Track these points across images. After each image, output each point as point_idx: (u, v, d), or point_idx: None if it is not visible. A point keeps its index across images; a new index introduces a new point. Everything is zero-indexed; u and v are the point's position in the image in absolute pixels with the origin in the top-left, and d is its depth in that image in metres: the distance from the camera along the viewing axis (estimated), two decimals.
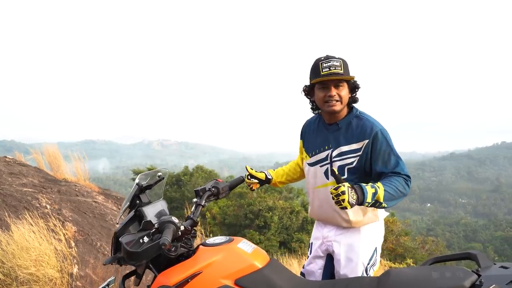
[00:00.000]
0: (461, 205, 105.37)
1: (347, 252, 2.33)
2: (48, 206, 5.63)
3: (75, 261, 4.76)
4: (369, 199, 1.96)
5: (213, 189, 2.32)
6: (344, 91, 2.25)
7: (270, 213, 21.90)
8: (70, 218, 5.79)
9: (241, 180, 2.59)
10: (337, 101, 2.24)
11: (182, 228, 1.77)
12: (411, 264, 8.40)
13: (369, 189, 1.98)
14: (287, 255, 7.51)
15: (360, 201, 1.94)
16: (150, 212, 2.01)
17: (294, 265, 6.32)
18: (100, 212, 6.62)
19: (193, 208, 2.13)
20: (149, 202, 2.10)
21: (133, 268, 1.98)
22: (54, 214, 5.42)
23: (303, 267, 2.58)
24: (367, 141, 2.22)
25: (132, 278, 2.04)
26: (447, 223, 67.55)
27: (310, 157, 2.46)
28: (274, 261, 1.95)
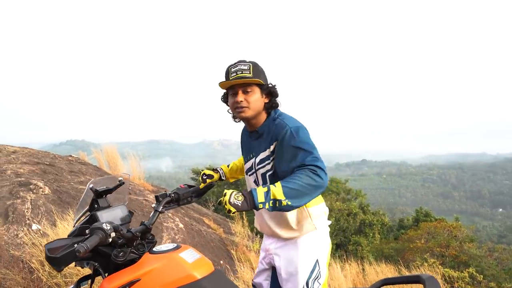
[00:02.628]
0: None
1: (287, 266, 2.24)
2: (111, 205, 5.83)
3: None
4: (261, 198, 1.78)
5: (172, 195, 2.28)
6: (254, 97, 2.11)
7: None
8: None
9: (204, 190, 2.49)
10: (244, 107, 2.11)
11: (112, 234, 1.70)
12: (474, 273, 7.87)
13: (259, 189, 1.81)
14: (344, 257, 7.27)
15: (251, 203, 1.77)
16: (105, 216, 1.96)
17: (347, 269, 6.11)
18: (149, 210, 6.77)
19: (151, 214, 2.14)
20: (108, 207, 2.06)
21: (89, 271, 1.99)
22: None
23: (253, 279, 2.51)
24: (276, 142, 2.10)
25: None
26: None
27: (244, 165, 2.41)
28: (217, 273, 1.87)
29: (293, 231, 2.22)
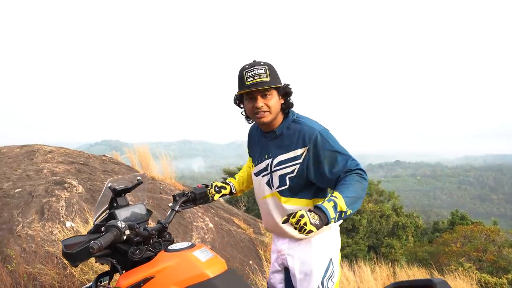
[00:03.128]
0: None
1: (302, 266, 2.23)
2: (131, 203, 5.94)
3: None
4: (332, 214, 1.77)
5: (189, 194, 2.34)
6: (273, 100, 2.08)
7: (359, 216, 21.33)
8: None
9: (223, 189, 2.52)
10: (265, 111, 2.08)
11: (127, 232, 1.74)
12: None
13: (326, 204, 1.79)
14: (375, 260, 7.15)
15: (325, 220, 1.75)
16: (123, 214, 2.02)
17: (377, 271, 6.00)
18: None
19: (168, 212, 2.21)
20: (127, 205, 2.11)
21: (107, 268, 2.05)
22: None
23: (267, 281, 2.50)
24: (307, 147, 2.06)
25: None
26: None
27: (255, 166, 2.33)
28: (230, 272, 1.88)
29: None
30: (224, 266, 1.87)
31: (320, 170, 2.03)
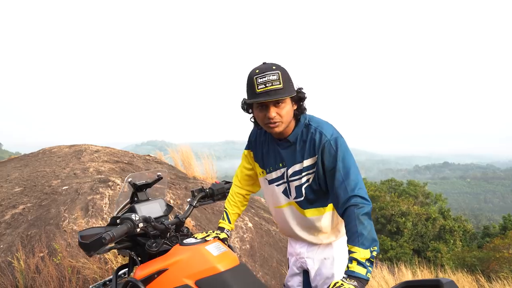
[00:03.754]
0: None
1: (323, 270, 2.18)
2: (172, 201, 6.05)
3: None
4: (362, 271, 1.66)
5: (207, 190, 2.37)
6: (286, 109, 1.90)
7: (403, 218, 20.81)
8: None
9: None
10: (278, 122, 1.91)
11: (141, 225, 1.79)
12: None
13: (353, 267, 1.68)
14: (420, 264, 6.94)
15: (363, 281, 1.65)
16: (143, 209, 2.06)
17: (419, 276, 5.83)
18: (219, 209, 6.91)
19: (186, 208, 2.24)
20: (147, 200, 2.16)
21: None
22: (175, 208, 5.82)
23: (284, 285, 2.43)
24: (316, 156, 1.94)
25: None
26: None
27: (266, 174, 2.19)
28: (242, 266, 1.88)
29: (329, 237, 2.16)
30: (236, 261, 1.89)
31: (329, 182, 1.92)
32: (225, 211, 2.32)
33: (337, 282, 1.62)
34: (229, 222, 2.27)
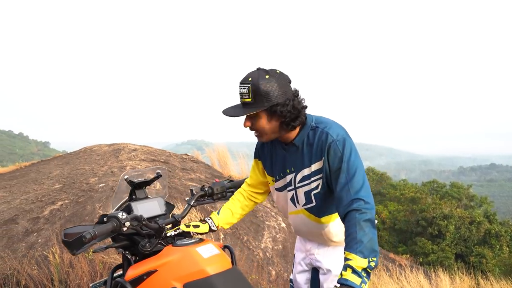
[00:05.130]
0: None
1: (335, 268, 2.08)
2: (150, 196, 6.10)
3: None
4: (356, 280, 1.56)
5: (207, 189, 2.25)
6: (259, 123, 1.83)
7: (446, 221, 20.15)
8: None
9: (239, 183, 2.34)
10: (257, 133, 1.89)
11: (127, 224, 1.70)
12: None
13: (345, 275, 1.58)
14: (460, 270, 6.67)
15: None
16: (140, 207, 2.00)
17: (458, 282, 5.60)
18: (255, 209, 6.91)
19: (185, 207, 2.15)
20: (145, 198, 2.09)
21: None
22: (207, 207, 5.86)
23: (290, 280, 2.34)
24: (323, 158, 1.84)
25: None
26: None
27: (275, 182, 2.10)
28: (233, 271, 1.79)
29: (341, 239, 2.02)
30: (228, 264, 1.81)
31: (334, 185, 1.82)
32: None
33: None
34: (218, 214, 2.17)
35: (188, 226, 1.97)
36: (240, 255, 5.02)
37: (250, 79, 1.79)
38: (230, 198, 2.27)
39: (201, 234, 2.04)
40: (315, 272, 2.20)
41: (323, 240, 2.09)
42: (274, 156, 2.07)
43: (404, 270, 5.64)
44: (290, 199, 2.04)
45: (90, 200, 5.19)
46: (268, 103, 1.78)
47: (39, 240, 4.52)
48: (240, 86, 1.81)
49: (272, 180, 2.12)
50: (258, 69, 1.83)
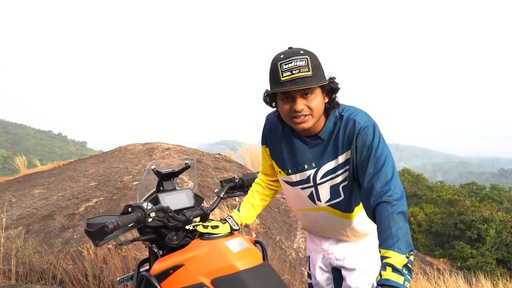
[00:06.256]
0: None
1: (358, 265, 1.92)
2: (237, 198, 6.07)
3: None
4: (399, 279, 1.41)
5: (237, 180, 2.17)
6: (316, 101, 1.62)
7: (486, 225, 19.44)
8: None
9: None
10: (306, 115, 1.63)
11: (152, 215, 1.61)
12: None
13: (390, 274, 1.42)
14: (504, 276, 6.37)
15: None
16: (168, 199, 1.92)
17: None
18: (285, 208, 6.83)
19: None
20: (173, 190, 2.02)
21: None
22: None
23: (309, 285, 2.16)
24: (352, 145, 1.67)
25: None
26: None
27: (286, 175, 1.88)
28: (264, 266, 1.69)
29: (365, 232, 1.93)
30: (259, 260, 1.72)
31: (361, 176, 1.68)
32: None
33: None
34: (238, 210, 2.01)
35: (206, 227, 1.79)
36: (272, 255, 4.95)
37: (302, 51, 1.59)
38: (248, 192, 2.13)
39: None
40: (336, 271, 2.06)
41: (344, 236, 1.94)
42: (286, 148, 1.87)
43: (442, 274, 5.44)
44: (308, 196, 1.86)
45: (124, 198, 5.26)
46: (325, 77, 1.64)
47: (74, 236, 4.60)
48: (293, 59, 1.57)
49: (280, 172, 1.93)
50: (291, 47, 1.66)
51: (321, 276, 2.10)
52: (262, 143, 2.02)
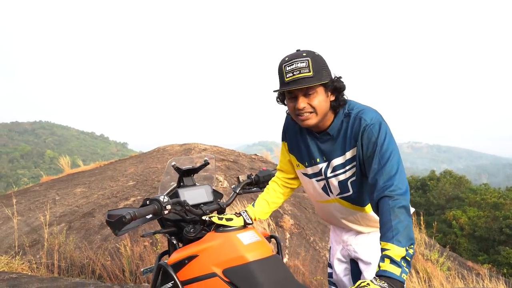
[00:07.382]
0: None
1: (372, 257, 2.01)
2: (198, 184, 6.09)
3: (286, 251, 5.00)
4: (396, 271, 1.45)
5: (253, 177, 2.24)
6: (318, 99, 1.74)
7: None
8: (289, 211, 6.14)
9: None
10: (309, 113, 1.76)
11: (168, 207, 1.69)
12: None
13: (386, 266, 1.46)
14: None
15: (397, 283, 1.43)
16: (187, 194, 2.01)
17: None
18: (308, 205, 6.81)
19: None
20: (193, 185, 2.10)
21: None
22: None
23: (329, 275, 2.24)
24: (358, 142, 1.77)
25: None
26: None
27: (304, 167, 2.02)
28: (273, 258, 1.74)
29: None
30: (269, 252, 1.78)
31: (367, 171, 1.76)
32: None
33: (363, 281, 1.42)
34: (253, 206, 2.11)
35: (220, 218, 1.88)
36: (305, 255, 4.95)
37: (304, 54, 1.73)
38: (265, 188, 2.23)
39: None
40: (353, 263, 2.14)
41: (360, 226, 2.04)
42: (300, 143, 2.01)
43: (482, 279, 5.26)
44: (322, 189, 2.00)
45: None
46: (328, 77, 1.76)
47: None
48: (294, 59, 1.72)
49: (299, 165, 2.06)
50: (298, 50, 1.79)
51: (339, 266, 2.20)
52: (282, 139, 2.15)
